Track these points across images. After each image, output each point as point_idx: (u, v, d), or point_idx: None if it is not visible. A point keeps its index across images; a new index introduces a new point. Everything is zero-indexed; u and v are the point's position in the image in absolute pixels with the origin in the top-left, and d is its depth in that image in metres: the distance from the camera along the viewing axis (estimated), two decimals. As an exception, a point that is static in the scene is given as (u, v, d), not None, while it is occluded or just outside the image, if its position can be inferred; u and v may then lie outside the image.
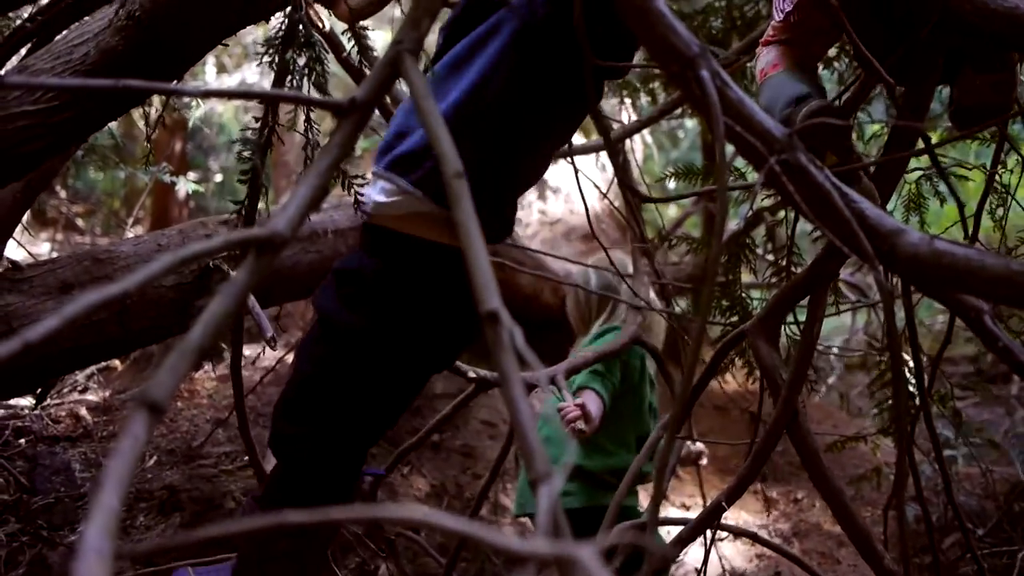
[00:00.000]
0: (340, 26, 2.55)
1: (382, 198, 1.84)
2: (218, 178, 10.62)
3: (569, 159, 2.51)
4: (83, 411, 3.61)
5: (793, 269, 2.49)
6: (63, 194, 7.83)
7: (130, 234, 8.88)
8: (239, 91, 1.20)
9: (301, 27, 1.43)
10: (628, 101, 3.66)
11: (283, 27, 1.48)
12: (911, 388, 2.48)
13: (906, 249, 1.18)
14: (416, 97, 1.10)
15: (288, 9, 1.52)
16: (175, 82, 1.92)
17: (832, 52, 2.68)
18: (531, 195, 5.30)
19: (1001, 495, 3.64)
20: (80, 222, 9.36)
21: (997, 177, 2.44)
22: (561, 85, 1.86)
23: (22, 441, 3.34)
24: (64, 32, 2.05)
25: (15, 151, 1.72)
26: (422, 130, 1.78)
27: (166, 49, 1.78)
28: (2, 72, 2.20)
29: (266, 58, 1.76)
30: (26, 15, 2.45)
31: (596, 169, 4.40)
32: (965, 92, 1.85)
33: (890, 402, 2.60)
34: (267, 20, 1.91)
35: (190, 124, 5.20)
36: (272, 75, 1.78)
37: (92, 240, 9.35)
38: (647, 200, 2.58)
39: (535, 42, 1.79)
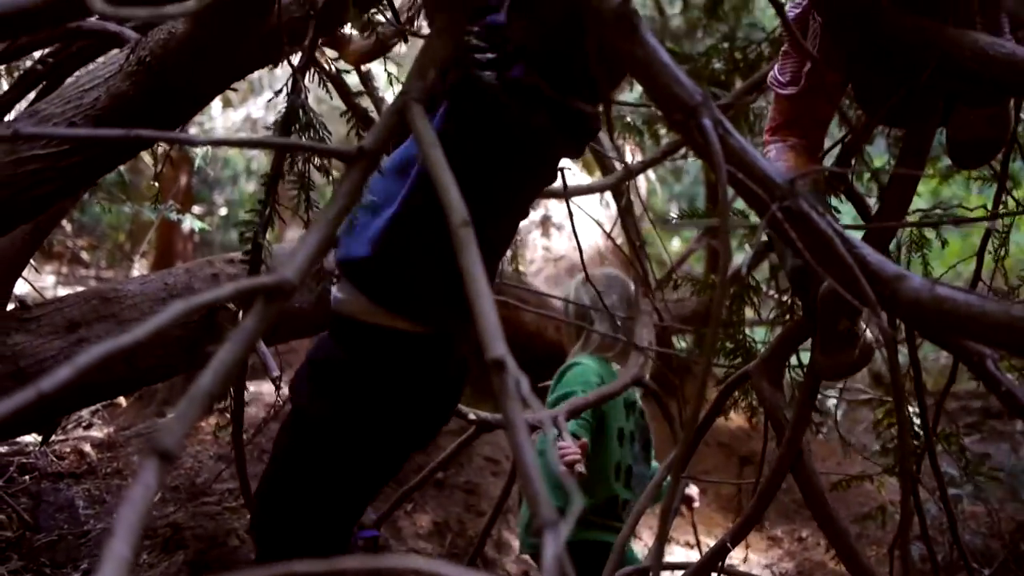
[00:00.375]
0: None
1: (340, 295, 1.86)
2: (223, 212, 10.71)
3: (567, 199, 2.53)
4: (87, 447, 3.61)
5: (796, 309, 2.50)
6: (68, 228, 7.87)
7: (136, 269, 8.92)
8: (247, 140, 1.20)
9: (301, 111, 1.46)
10: (631, 142, 3.69)
11: (283, 111, 1.50)
12: (916, 427, 2.48)
13: (907, 295, 1.19)
14: (422, 145, 1.12)
15: (288, 93, 1.55)
16: (183, 126, 1.95)
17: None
18: (535, 231, 5.32)
19: (1007, 534, 3.62)
20: (85, 255, 9.40)
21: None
22: (487, 186, 1.78)
23: (26, 478, 3.34)
24: (75, 75, 2.07)
25: (26, 194, 1.74)
26: (363, 237, 1.79)
27: (176, 94, 1.80)
28: (14, 116, 2.23)
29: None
30: (37, 57, 2.49)
31: (600, 206, 4.42)
32: (959, 127, 1.87)
33: (895, 442, 2.60)
34: (277, 64, 1.94)
35: (196, 162, 5.23)
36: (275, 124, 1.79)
37: (97, 273, 9.39)
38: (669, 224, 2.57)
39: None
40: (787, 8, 1.88)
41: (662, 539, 1.52)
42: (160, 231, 8.03)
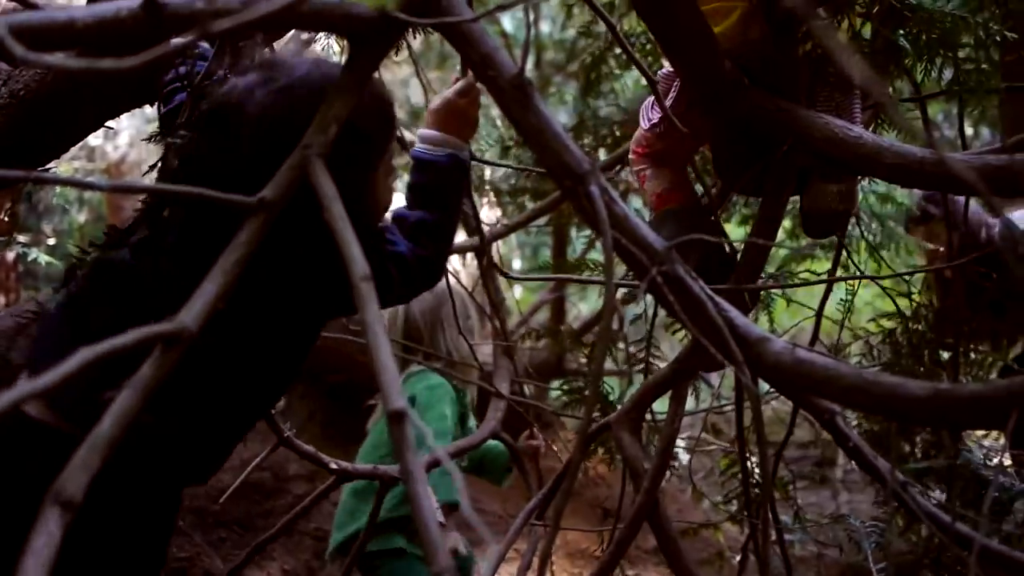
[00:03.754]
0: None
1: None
2: (51, 241, 10.27)
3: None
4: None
5: (651, 361, 2.64)
6: None
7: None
8: (145, 187, 1.16)
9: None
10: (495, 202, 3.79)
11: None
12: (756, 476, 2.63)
13: (770, 357, 1.28)
14: (323, 200, 1.14)
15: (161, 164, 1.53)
16: (55, 162, 1.90)
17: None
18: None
19: (836, 578, 3.83)
20: None
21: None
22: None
23: None
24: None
25: None
26: None
27: (51, 129, 1.77)
28: None
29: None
30: None
31: (457, 259, 4.49)
32: (812, 199, 2.02)
33: (739, 490, 2.74)
34: (152, 104, 1.91)
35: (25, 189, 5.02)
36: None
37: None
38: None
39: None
40: (658, 73, 2.00)
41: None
42: (-24, 259, 7.63)
